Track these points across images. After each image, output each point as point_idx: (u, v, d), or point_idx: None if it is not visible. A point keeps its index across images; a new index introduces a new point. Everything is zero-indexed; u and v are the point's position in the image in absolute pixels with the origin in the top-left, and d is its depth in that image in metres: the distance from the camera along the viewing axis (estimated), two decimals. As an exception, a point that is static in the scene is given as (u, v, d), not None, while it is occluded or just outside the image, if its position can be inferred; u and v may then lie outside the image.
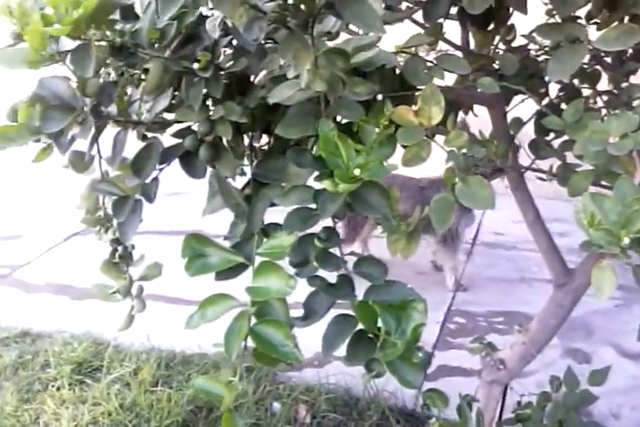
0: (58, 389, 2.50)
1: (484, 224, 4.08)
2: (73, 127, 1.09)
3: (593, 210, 0.90)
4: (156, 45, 1.11)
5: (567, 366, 1.92)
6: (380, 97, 1.24)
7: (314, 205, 1.03)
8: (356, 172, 0.96)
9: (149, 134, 1.31)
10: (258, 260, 1.15)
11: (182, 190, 3.57)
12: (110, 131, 1.28)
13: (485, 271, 3.57)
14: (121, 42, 1.07)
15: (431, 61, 1.33)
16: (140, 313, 1.48)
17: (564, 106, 1.57)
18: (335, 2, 0.90)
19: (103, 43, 1.09)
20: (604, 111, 1.61)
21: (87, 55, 1.02)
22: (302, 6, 0.96)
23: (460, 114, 1.69)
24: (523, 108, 1.60)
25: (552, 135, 1.55)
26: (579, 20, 1.40)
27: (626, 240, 0.88)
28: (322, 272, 1.12)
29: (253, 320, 1.09)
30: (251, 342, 1.08)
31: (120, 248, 1.46)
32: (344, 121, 1.15)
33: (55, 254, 3.71)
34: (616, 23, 1.35)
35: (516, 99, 1.61)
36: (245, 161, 1.30)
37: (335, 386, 2.52)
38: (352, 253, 1.04)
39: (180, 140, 1.23)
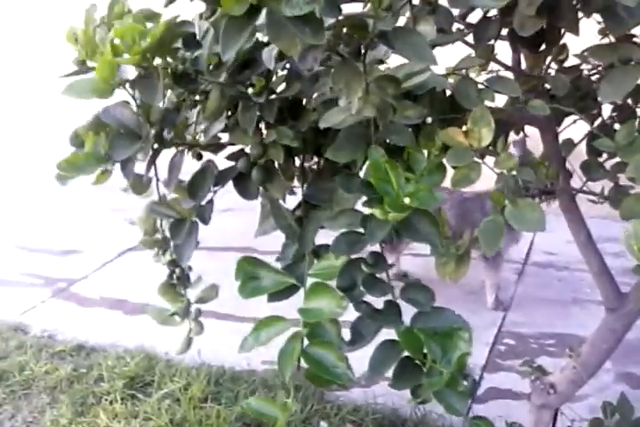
0: (111, 403, 2.55)
1: (535, 243, 4.02)
2: (138, 153, 1.13)
3: (644, 236, 0.89)
4: (214, 71, 1.15)
5: (621, 391, 1.87)
6: (429, 120, 1.26)
7: (361, 229, 1.05)
8: (406, 200, 0.96)
9: (204, 153, 1.35)
10: (309, 281, 1.17)
11: (234, 207, 3.62)
12: (166, 153, 1.32)
13: (537, 292, 3.51)
14: (183, 69, 1.11)
15: (482, 83, 1.33)
16: (198, 335, 1.51)
17: (617, 126, 1.55)
18: (388, 32, 0.92)
19: (165, 70, 1.13)
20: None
21: (154, 84, 1.05)
22: (355, 35, 0.98)
23: (517, 133, 1.69)
24: (575, 129, 1.59)
25: (605, 156, 1.54)
26: (634, 39, 1.40)
27: (676, 267, 0.87)
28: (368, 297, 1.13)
29: (306, 341, 1.11)
30: (303, 363, 1.10)
31: (177, 270, 1.48)
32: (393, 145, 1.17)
33: (110, 269, 3.79)
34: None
35: (568, 120, 1.60)
36: (296, 182, 1.33)
37: (382, 406, 2.50)
38: (398, 278, 1.04)
39: (233, 163, 1.27)
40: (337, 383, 1.10)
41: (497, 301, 3.34)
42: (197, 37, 1.12)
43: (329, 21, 0.90)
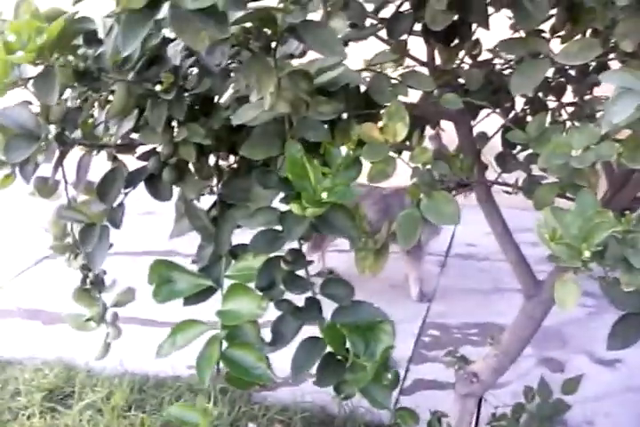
0: (28, 417, 2.45)
1: (456, 236, 4.10)
2: (38, 155, 1.07)
3: (554, 224, 0.91)
4: (120, 69, 1.10)
5: (540, 375, 1.93)
6: (345, 115, 1.25)
7: (279, 227, 1.03)
8: (324, 195, 0.96)
9: (119, 156, 1.31)
10: (227, 282, 1.14)
11: (154, 210, 3.54)
12: (76, 154, 1.27)
13: (459, 283, 3.58)
14: (84, 67, 1.07)
15: (396, 78, 1.34)
16: (116, 340, 1.46)
17: (530, 119, 1.59)
18: (297, 26, 0.91)
19: (65, 68, 1.08)
20: (569, 124, 1.63)
21: (50, 82, 1.01)
22: (265, 29, 0.96)
23: (433, 128, 1.71)
24: (490, 122, 1.62)
25: (519, 148, 1.57)
26: (543, 34, 1.43)
27: (587, 254, 0.89)
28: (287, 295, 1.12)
29: (224, 344, 1.08)
30: (223, 366, 1.07)
31: (91, 274, 1.44)
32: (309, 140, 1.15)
33: (27, 278, 3.65)
34: (578, 37, 1.38)
35: (483, 113, 1.63)
36: (213, 181, 1.30)
37: (311, 404, 2.50)
38: (318, 275, 1.04)
39: (145, 163, 1.22)
40: (258, 384, 1.08)
41: (421, 293, 3.39)
42: (99, 34, 1.07)
43: (236, 15, 0.88)
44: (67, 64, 1.06)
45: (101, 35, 1.11)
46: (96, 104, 1.26)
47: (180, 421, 1.07)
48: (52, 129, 1.10)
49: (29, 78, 1.03)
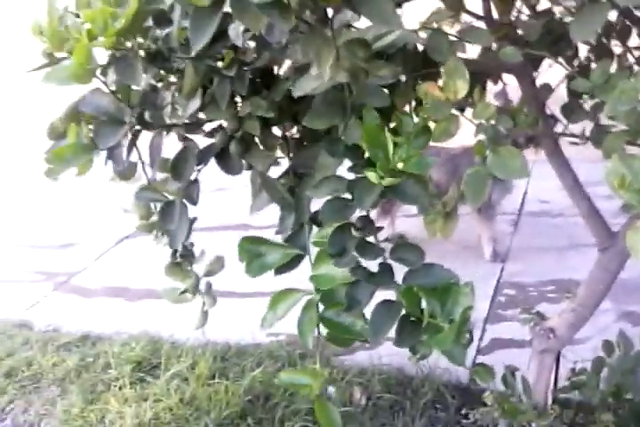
0: (120, 388, 2.57)
1: (529, 193, 4.02)
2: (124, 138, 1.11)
3: (623, 171, 0.89)
4: (185, 47, 1.12)
5: (619, 329, 1.90)
6: (403, 78, 1.24)
7: (348, 195, 1.04)
8: (399, 165, 0.96)
9: (189, 136, 1.34)
10: (312, 249, 1.17)
11: (226, 186, 3.61)
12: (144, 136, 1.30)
13: (533, 241, 3.53)
14: (156, 48, 1.09)
15: (454, 35, 1.32)
16: (193, 306, 1.50)
17: (594, 66, 1.54)
18: (352, -2, 0.90)
19: (140, 51, 1.10)
20: (637, 69, 1.58)
21: (133, 65, 1.03)
22: (320, 1, 0.96)
23: (494, 83, 1.68)
24: (555, 72, 1.58)
25: (586, 98, 1.53)
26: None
27: (658, 199, 0.87)
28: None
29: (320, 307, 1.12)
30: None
31: (180, 248, 1.47)
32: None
33: (109, 259, 3.79)
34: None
35: (546, 64, 1.59)
36: (280, 153, 1.32)
37: (388, 367, 2.53)
38: (387, 240, 1.05)
39: (213, 140, 1.25)
40: (359, 340, 1.12)
41: (494, 253, 3.36)
42: (166, 13, 1.09)
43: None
44: (140, 46, 1.09)
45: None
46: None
47: (294, 385, 1.11)
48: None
49: (105, 64, 1.06)
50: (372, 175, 0.97)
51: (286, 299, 1.11)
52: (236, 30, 1.04)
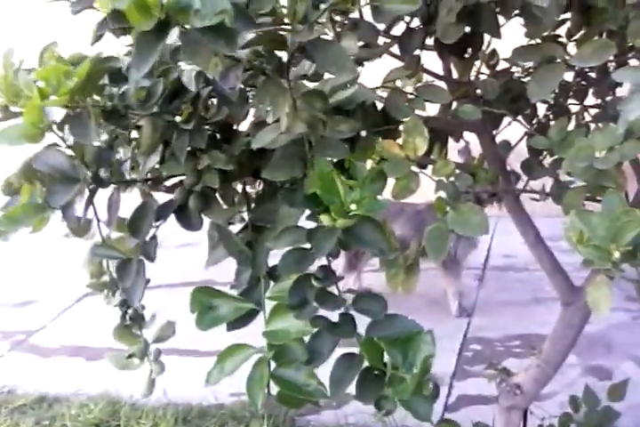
0: (77, 453, 2.47)
1: (493, 248, 4.06)
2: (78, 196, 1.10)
3: (581, 226, 0.90)
4: (144, 104, 1.13)
5: (585, 384, 1.89)
6: (364, 133, 1.26)
7: (307, 245, 1.04)
8: (353, 207, 0.96)
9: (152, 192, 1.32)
10: (267, 304, 1.15)
11: (191, 241, 3.56)
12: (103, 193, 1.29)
13: (498, 295, 3.54)
14: (112, 105, 1.09)
15: (412, 93, 1.34)
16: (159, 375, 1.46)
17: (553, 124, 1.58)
18: (306, 45, 0.92)
19: (94, 108, 1.10)
20: (594, 126, 1.61)
21: (86, 123, 1.03)
22: (275, 51, 0.98)
23: (456, 141, 1.71)
24: (514, 130, 1.61)
25: (546, 154, 1.56)
26: (560, 39, 1.43)
27: (616, 254, 0.87)
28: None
29: (272, 365, 1.09)
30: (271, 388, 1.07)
31: (130, 311, 1.44)
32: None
33: (69, 317, 3.70)
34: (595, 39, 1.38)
35: (506, 122, 1.63)
36: (242, 208, 1.31)
37: (354, 426, 2.47)
38: (350, 291, 1.04)
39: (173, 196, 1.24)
40: (310, 401, 1.08)
41: (460, 307, 3.35)
42: (123, 71, 1.10)
43: (246, 38, 0.89)
44: (95, 104, 1.09)
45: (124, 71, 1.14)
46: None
47: None
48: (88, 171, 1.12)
49: (60, 122, 1.06)
50: (325, 218, 0.97)
51: (235, 354, 1.08)
52: (189, 75, 1.04)
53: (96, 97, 1.13)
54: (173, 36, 0.82)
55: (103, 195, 1.26)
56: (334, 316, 1.12)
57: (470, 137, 1.68)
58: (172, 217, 1.29)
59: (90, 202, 1.21)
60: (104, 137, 1.22)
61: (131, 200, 1.32)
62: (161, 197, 1.29)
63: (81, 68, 1.01)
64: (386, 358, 1.07)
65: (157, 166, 1.26)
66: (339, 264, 3.46)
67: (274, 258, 1.20)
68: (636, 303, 3.21)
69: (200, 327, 1.13)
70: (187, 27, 0.81)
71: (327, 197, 0.99)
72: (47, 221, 1.16)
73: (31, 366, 3.19)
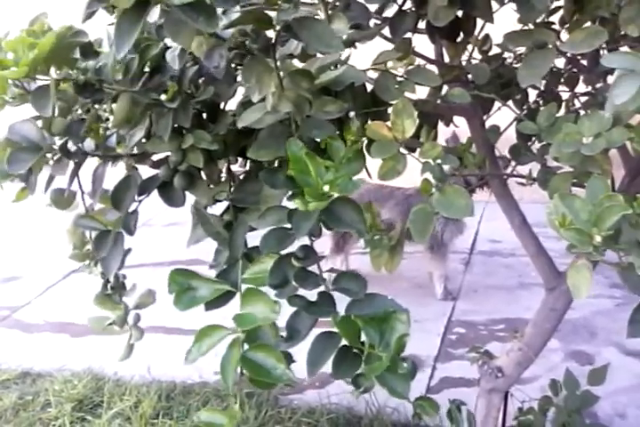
0: (59, 427, 2.48)
1: (480, 233, 4.08)
2: (43, 166, 1.10)
3: (564, 210, 0.90)
4: (123, 79, 1.12)
5: (566, 368, 1.90)
6: (352, 114, 1.25)
7: (290, 225, 1.03)
8: (326, 188, 0.96)
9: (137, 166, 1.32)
10: (244, 286, 1.15)
11: (179, 220, 3.56)
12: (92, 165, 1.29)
13: (484, 280, 3.57)
14: (84, 79, 1.08)
15: (402, 76, 1.34)
16: (140, 343, 1.47)
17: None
18: (292, 23, 0.91)
19: (65, 81, 1.10)
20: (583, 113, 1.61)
21: (45, 95, 1.03)
22: (261, 30, 0.97)
23: (446, 125, 1.70)
24: (505, 115, 1.61)
25: (534, 140, 1.56)
26: (553, 26, 1.42)
27: (598, 238, 0.87)
28: (301, 291, 1.12)
29: (246, 346, 1.09)
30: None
31: (112, 279, 1.46)
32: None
33: (54, 293, 3.69)
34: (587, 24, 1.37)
35: (497, 107, 1.62)
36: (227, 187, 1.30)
37: (337, 406, 2.50)
38: (331, 270, 1.04)
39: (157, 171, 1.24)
40: (281, 384, 1.09)
41: (445, 291, 3.37)
42: (94, 47, 1.09)
43: (232, 17, 0.88)
44: (66, 77, 1.08)
45: (106, 46, 1.13)
46: (108, 115, 1.29)
47: (209, 424, 1.08)
48: (57, 141, 1.13)
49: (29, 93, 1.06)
50: (298, 202, 0.97)
51: (211, 335, 1.08)
52: (172, 54, 1.03)
53: (70, 71, 1.13)
54: (155, 14, 0.81)
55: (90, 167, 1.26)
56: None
57: (460, 121, 1.67)
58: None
59: (74, 175, 1.21)
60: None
61: (117, 174, 1.32)
62: (147, 172, 1.29)
63: (42, 40, 1.01)
64: (363, 337, 1.07)
65: (144, 141, 1.25)
66: (326, 246, 3.47)
67: (253, 240, 1.20)
68: (620, 291, 3.24)
69: (178, 308, 1.14)
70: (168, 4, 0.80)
71: (301, 178, 0.98)
72: (30, 192, 1.17)
73: (15, 342, 3.19)
